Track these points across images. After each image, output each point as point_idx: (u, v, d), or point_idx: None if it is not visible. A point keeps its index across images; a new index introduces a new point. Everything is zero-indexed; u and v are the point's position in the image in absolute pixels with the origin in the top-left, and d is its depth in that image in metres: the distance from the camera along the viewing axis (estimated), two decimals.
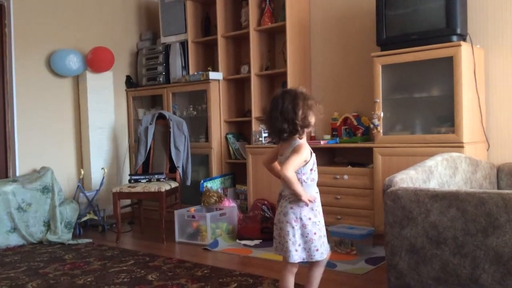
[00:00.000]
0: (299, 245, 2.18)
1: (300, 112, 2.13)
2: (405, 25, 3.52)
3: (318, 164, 4.20)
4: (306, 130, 2.19)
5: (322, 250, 2.21)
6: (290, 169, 2.13)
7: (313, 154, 2.24)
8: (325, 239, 2.25)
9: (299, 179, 2.17)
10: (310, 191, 2.21)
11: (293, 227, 2.18)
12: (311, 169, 2.22)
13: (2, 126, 4.58)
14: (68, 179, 4.89)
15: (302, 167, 2.19)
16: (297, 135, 2.18)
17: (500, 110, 3.55)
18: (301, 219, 2.18)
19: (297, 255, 2.18)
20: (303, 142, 2.20)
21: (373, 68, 3.63)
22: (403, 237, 2.23)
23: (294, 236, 2.18)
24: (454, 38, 3.33)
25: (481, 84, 3.51)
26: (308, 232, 2.18)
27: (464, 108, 3.25)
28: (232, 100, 4.91)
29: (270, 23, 4.48)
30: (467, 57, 3.31)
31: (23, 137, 4.61)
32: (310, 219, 2.19)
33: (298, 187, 2.15)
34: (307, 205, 2.18)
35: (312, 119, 2.18)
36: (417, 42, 3.43)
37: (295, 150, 2.16)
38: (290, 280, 2.27)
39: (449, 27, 3.33)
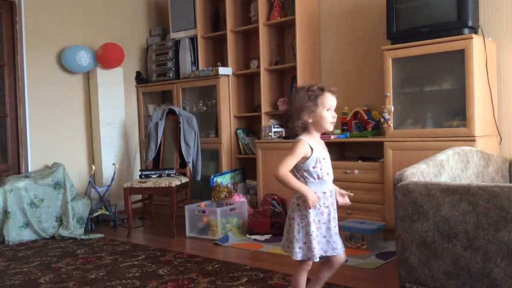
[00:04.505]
0: (305, 243, 2.13)
1: (293, 111, 2.14)
2: (415, 18, 3.49)
3: None
4: (298, 128, 2.14)
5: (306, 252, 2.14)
6: (280, 169, 2.08)
7: (320, 150, 2.16)
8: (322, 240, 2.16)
9: (300, 176, 2.13)
10: (313, 189, 2.12)
11: (298, 224, 2.15)
12: (314, 167, 2.12)
13: (14, 123, 4.62)
14: (79, 174, 4.93)
15: (302, 164, 2.13)
16: (299, 132, 2.17)
17: None
18: (306, 216, 2.13)
19: (300, 253, 2.14)
20: (301, 138, 2.13)
21: (384, 62, 3.60)
22: (414, 231, 2.22)
23: (298, 233, 2.14)
24: (466, 30, 3.30)
25: (493, 77, 3.47)
26: (312, 231, 2.12)
27: (475, 101, 3.22)
28: (241, 95, 4.90)
29: (279, 18, 4.46)
30: (478, 50, 3.27)
31: (35, 134, 4.65)
32: (314, 217, 2.14)
33: (295, 185, 2.09)
34: (309, 207, 2.09)
35: (305, 117, 2.12)
36: (428, 35, 3.40)
37: (291, 147, 2.14)
38: (301, 278, 2.23)
39: (461, 19, 3.29)
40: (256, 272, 2.99)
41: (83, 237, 4.17)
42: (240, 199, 4.25)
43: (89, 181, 4.65)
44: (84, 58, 4.81)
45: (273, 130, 4.36)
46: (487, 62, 3.36)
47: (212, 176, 4.51)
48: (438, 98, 3.59)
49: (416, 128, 3.57)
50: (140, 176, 4.43)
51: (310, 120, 2.12)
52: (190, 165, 4.55)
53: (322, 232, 2.15)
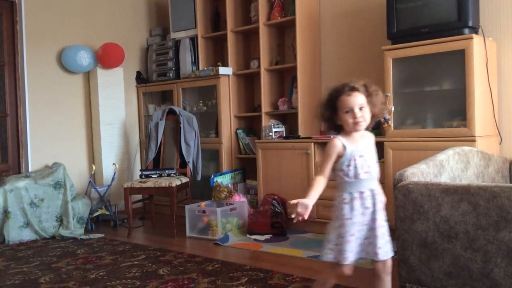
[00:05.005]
0: (336, 244, 2.03)
1: (323, 108, 2.11)
2: (416, 18, 3.49)
3: None
4: (328, 125, 2.13)
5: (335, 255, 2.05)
6: (321, 169, 2.05)
7: (358, 148, 2.04)
8: (343, 246, 2.02)
9: (336, 176, 2.07)
10: (349, 189, 2.03)
11: (331, 225, 2.07)
12: (348, 165, 2.01)
13: (14, 123, 4.63)
14: (79, 174, 4.93)
15: (336, 163, 2.04)
16: (332, 131, 2.14)
17: None
18: (340, 217, 2.03)
19: (331, 254, 2.05)
20: (335, 137, 2.08)
21: (384, 62, 3.60)
22: (414, 231, 2.22)
23: (331, 234, 2.06)
24: (466, 31, 3.29)
25: (494, 77, 3.46)
26: (345, 232, 2.01)
27: (476, 101, 3.22)
28: (242, 95, 4.90)
29: (279, 18, 4.46)
30: (479, 50, 3.27)
31: (35, 133, 4.65)
32: (350, 219, 2.02)
33: (309, 190, 2.01)
34: (298, 216, 1.97)
35: (332, 121, 2.09)
36: (428, 35, 3.40)
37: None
38: (326, 282, 2.13)
39: (461, 19, 3.29)
40: (256, 272, 2.99)
41: (83, 237, 4.17)
42: (240, 199, 4.25)
43: (89, 181, 4.65)
44: (84, 58, 4.81)
45: (273, 130, 4.36)
46: (488, 62, 3.36)
47: (212, 176, 4.51)
48: (438, 98, 3.59)
49: (416, 128, 3.56)
50: (141, 176, 4.43)
51: (339, 123, 2.08)
52: (190, 165, 4.55)
53: (363, 234, 2.03)
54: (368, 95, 2.04)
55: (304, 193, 3.99)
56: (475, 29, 3.36)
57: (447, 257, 2.12)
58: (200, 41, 5.00)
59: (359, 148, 2.05)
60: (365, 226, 2.03)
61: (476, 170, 2.88)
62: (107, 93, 5.03)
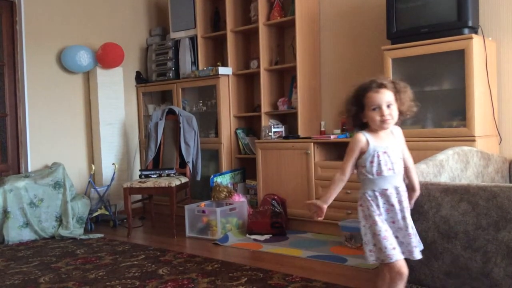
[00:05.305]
0: (374, 244, 1.96)
1: (348, 105, 2.05)
2: (415, 18, 3.49)
3: (328, 159, 4.19)
4: (353, 123, 2.06)
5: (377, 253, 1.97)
6: (341, 167, 2.01)
7: (382, 144, 1.98)
8: (381, 244, 1.95)
9: (359, 173, 2.02)
10: (372, 186, 1.98)
11: (363, 226, 2.00)
12: (371, 161, 1.96)
13: (14, 123, 4.62)
14: (79, 174, 4.93)
15: (359, 159, 2.00)
16: (356, 129, 2.08)
17: None
18: (370, 215, 1.97)
19: (372, 256, 1.97)
20: (357, 133, 2.02)
21: (384, 62, 3.60)
22: None
23: (365, 235, 1.99)
24: (466, 30, 3.29)
25: (493, 77, 3.46)
26: (379, 230, 1.94)
27: (475, 101, 3.22)
28: (241, 95, 4.90)
29: (279, 17, 4.46)
30: (478, 50, 3.27)
31: (35, 133, 4.65)
32: (380, 215, 1.97)
33: (328, 190, 2.00)
34: (314, 216, 1.98)
35: (358, 119, 2.02)
36: (428, 35, 3.40)
37: None
38: (392, 284, 2.00)
39: (461, 19, 3.29)
40: (256, 272, 2.99)
41: (83, 237, 4.17)
42: (240, 199, 4.25)
43: (89, 181, 4.65)
44: (84, 58, 4.81)
45: (273, 130, 4.36)
46: (487, 62, 3.36)
47: (212, 176, 4.51)
48: (438, 98, 3.59)
49: (416, 128, 3.56)
50: (140, 176, 4.43)
51: (365, 120, 2.01)
52: (190, 165, 4.55)
53: (393, 232, 1.97)
54: (396, 92, 1.98)
55: (303, 193, 4.03)
56: (474, 29, 3.36)
57: (447, 257, 2.12)
58: (200, 41, 5.00)
59: (383, 144, 1.99)
60: (394, 224, 1.97)
61: (476, 170, 2.88)
62: (106, 93, 5.03)
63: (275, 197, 4.06)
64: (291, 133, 4.47)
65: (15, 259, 3.55)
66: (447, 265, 2.13)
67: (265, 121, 4.54)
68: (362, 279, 2.83)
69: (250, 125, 4.98)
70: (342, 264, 3.11)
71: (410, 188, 2.09)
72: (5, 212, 4.04)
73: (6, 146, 4.60)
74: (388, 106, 1.95)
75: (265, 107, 4.56)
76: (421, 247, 2.03)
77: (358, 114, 2.01)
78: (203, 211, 4.09)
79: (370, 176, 1.98)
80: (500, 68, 3.54)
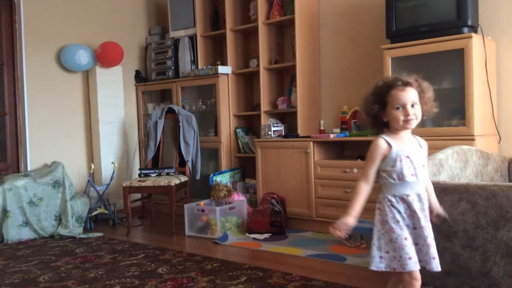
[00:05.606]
0: (387, 252, 1.88)
1: (369, 103, 1.93)
2: (415, 17, 3.49)
3: (328, 157, 4.19)
4: (373, 122, 1.94)
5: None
6: (359, 176, 1.91)
7: (405, 148, 1.88)
8: (401, 253, 1.85)
9: (379, 178, 1.91)
10: (392, 191, 1.88)
11: (378, 231, 1.91)
12: (392, 166, 1.86)
13: (13, 122, 4.62)
14: (78, 173, 4.93)
15: (382, 162, 1.89)
16: (375, 128, 1.98)
17: None
18: (388, 221, 1.87)
19: (382, 263, 1.88)
20: (379, 136, 1.91)
21: (383, 61, 3.60)
22: None
23: (379, 240, 1.90)
24: (465, 30, 3.29)
25: (492, 76, 3.47)
26: (397, 237, 1.85)
27: (475, 100, 3.22)
28: (241, 94, 4.90)
29: (278, 16, 4.46)
30: (478, 49, 3.27)
31: (34, 132, 4.65)
32: (398, 222, 1.86)
33: (351, 202, 1.88)
34: (333, 232, 1.86)
35: (379, 117, 1.92)
36: (427, 34, 3.40)
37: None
38: None
39: (460, 18, 3.29)
40: (256, 271, 2.99)
41: (82, 236, 4.17)
42: (239, 198, 4.25)
43: (88, 180, 4.65)
44: (83, 57, 4.80)
45: (273, 129, 4.36)
46: (487, 61, 3.36)
47: (211, 175, 4.51)
48: (437, 97, 3.53)
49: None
50: (139, 175, 4.42)
51: (385, 119, 1.91)
52: (189, 164, 4.55)
53: (414, 238, 1.87)
54: (421, 91, 1.90)
55: (303, 192, 4.02)
56: (474, 28, 3.36)
57: (446, 256, 2.12)
58: (199, 40, 5.00)
59: (405, 148, 1.89)
60: (416, 230, 1.88)
61: (475, 169, 2.88)
62: (106, 92, 5.02)
63: (275, 196, 4.06)
64: (291, 132, 4.47)
65: (15, 258, 3.55)
66: (447, 264, 2.13)
67: (264, 120, 4.54)
68: (362, 278, 2.83)
69: (249, 124, 4.98)
70: (341, 263, 3.11)
71: (430, 209, 1.95)
72: (5, 211, 4.04)
73: (6, 145, 4.59)
74: (413, 105, 1.86)
75: (264, 106, 4.56)
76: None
77: (379, 112, 1.91)
78: (203, 210, 4.09)
79: (392, 181, 1.89)
80: (499, 67, 3.54)
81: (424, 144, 1.97)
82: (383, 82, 1.92)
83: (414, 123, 1.88)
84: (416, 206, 1.86)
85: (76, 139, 4.99)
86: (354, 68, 4.28)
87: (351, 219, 1.86)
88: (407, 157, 1.87)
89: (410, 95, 1.86)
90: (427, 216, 1.89)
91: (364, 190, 1.89)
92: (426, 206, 1.89)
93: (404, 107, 1.85)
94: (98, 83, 4.97)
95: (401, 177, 1.86)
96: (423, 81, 1.92)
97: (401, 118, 1.86)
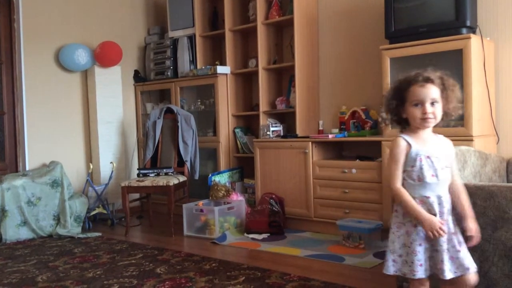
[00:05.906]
0: (400, 255, 1.81)
1: (389, 98, 1.86)
2: (413, 17, 3.49)
3: (326, 158, 4.19)
4: (392, 118, 1.88)
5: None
6: (391, 182, 1.81)
7: (425, 147, 1.81)
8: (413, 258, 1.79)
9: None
10: (411, 192, 1.80)
11: (393, 233, 1.84)
12: (412, 166, 1.79)
13: (11, 121, 4.62)
14: (77, 173, 4.92)
15: (404, 162, 1.81)
16: (394, 125, 1.91)
17: (510, 103, 3.52)
18: (405, 224, 1.81)
19: (394, 266, 1.82)
20: (398, 136, 1.84)
21: (382, 61, 3.60)
22: None
23: (393, 243, 1.83)
24: (464, 30, 3.30)
25: (491, 77, 3.47)
26: (411, 242, 1.78)
27: (473, 101, 3.22)
28: (239, 94, 4.90)
29: (277, 17, 4.46)
30: (476, 50, 3.27)
31: (33, 132, 4.64)
32: (415, 226, 1.79)
33: (407, 205, 1.77)
34: (428, 235, 1.75)
35: (399, 114, 1.84)
36: (426, 34, 3.40)
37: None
38: None
39: (459, 19, 3.30)
40: (254, 271, 2.99)
41: (81, 235, 4.16)
42: (238, 198, 4.25)
43: (87, 180, 4.65)
44: (82, 57, 4.80)
45: (271, 129, 4.36)
46: (485, 62, 3.36)
47: (210, 175, 4.51)
48: None
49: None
50: (138, 175, 4.42)
51: (404, 116, 1.84)
52: (188, 164, 4.55)
53: (428, 245, 1.80)
54: (444, 89, 1.79)
55: (301, 192, 4.03)
56: (472, 29, 3.37)
57: None
58: (198, 40, 5.00)
59: (426, 148, 1.81)
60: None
61: (473, 169, 2.89)
62: (104, 91, 5.02)
63: (273, 196, 4.06)
64: (289, 132, 4.47)
65: (13, 257, 3.55)
66: None
67: (263, 120, 4.55)
68: (360, 278, 2.83)
69: (248, 124, 4.98)
70: (339, 263, 3.12)
71: (460, 216, 1.85)
72: (3, 211, 4.03)
73: (4, 145, 4.59)
74: (432, 103, 1.77)
75: (263, 106, 4.56)
76: (474, 267, 1.82)
77: (398, 108, 1.83)
78: (201, 210, 4.09)
79: (411, 181, 1.80)
80: (498, 68, 3.54)
81: (448, 143, 1.90)
82: (404, 78, 1.84)
83: (432, 123, 1.80)
84: (436, 208, 1.79)
85: (75, 138, 4.99)
86: (353, 69, 4.28)
87: (432, 217, 1.76)
88: (428, 157, 1.79)
89: (430, 92, 1.77)
90: (448, 219, 1.80)
91: (400, 189, 1.81)
92: (446, 209, 1.81)
93: (422, 104, 1.78)
94: (97, 82, 4.97)
95: (420, 178, 1.79)
96: (449, 78, 1.82)
97: (418, 115, 1.78)
